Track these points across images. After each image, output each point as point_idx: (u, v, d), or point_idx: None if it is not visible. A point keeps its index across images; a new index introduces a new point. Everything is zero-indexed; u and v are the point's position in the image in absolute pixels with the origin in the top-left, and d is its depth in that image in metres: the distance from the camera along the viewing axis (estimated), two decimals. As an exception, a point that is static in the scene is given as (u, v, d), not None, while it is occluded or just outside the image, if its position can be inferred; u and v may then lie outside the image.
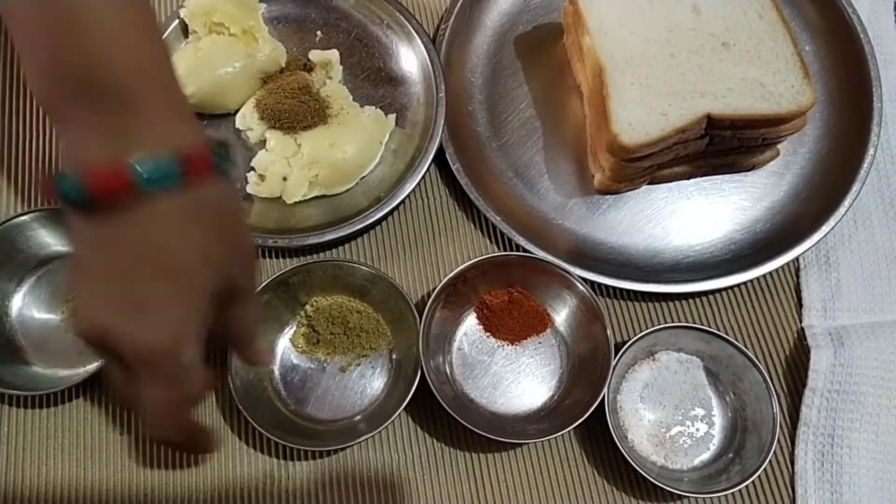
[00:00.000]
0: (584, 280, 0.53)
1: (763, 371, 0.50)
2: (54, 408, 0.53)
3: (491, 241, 0.58)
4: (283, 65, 0.60)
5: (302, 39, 0.62)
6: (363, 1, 0.62)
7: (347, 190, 0.58)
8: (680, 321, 0.56)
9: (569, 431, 0.50)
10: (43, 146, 0.60)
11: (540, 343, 0.54)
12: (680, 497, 0.51)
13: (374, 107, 0.59)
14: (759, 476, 0.49)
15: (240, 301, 0.39)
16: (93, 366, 0.51)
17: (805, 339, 0.55)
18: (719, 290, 0.57)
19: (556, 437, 0.52)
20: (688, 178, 0.60)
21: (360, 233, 0.57)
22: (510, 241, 0.56)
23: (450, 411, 0.49)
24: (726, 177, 0.60)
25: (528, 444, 0.52)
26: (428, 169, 0.57)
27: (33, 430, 0.52)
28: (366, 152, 0.58)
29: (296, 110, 0.57)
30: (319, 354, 0.53)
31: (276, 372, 0.53)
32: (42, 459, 0.51)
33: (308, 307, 0.54)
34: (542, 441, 0.52)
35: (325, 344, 0.53)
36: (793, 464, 0.52)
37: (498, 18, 0.64)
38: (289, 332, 0.54)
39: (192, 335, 0.36)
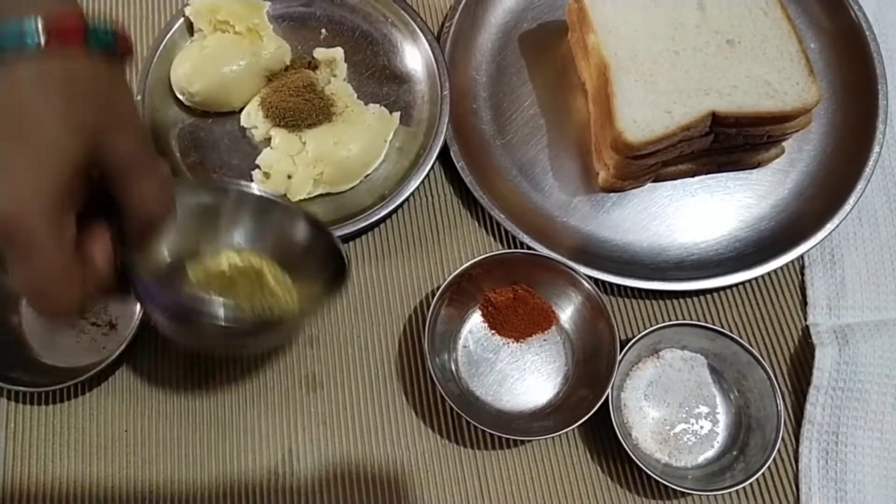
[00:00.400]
0: (589, 278, 0.53)
1: (767, 368, 0.50)
2: (60, 404, 0.53)
3: (495, 239, 0.58)
4: (288, 63, 0.60)
5: (307, 37, 0.62)
6: (368, -1, 0.62)
7: (352, 188, 0.58)
8: (684, 319, 0.56)
9: (573, 429, 0.50)
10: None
11: (545, 340, 0.54)
12: (684, 494, 0.51)
13: (378, 105, 0.59)
14: (763, 474, 0.49)
15: (132, 179, 0.36)
16: (102, 361, 0.51)
17: (810, 337, 0.55)
18: (724, 288, 0.57)
19: (560, 435, 0.52)
20: (692, 176, 0.60)
21: (365, 230, 0.57)
22: (514, 238, 0.56)
23: (455, 408, 0.49)
24: (731, 174, 0.60)
25: (532, 441, 0.52)
26: (432, 167, 0.57)
27: (39, 426, 0.52)
28: (370, 150, 0.58)
29: (300, 108, 0.57)
30: (213, 289, 0.47)
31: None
32: (48, 456, 0.52)
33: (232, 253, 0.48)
34: (546, 438, 0.52)
35: (223, 284, 0.47)
36: (797, 462, 0.52)
37: (502, 16, 0.64)
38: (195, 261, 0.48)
39: (51, 206, 0.32)
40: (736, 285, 0.57)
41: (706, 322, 0.55)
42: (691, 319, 0.56)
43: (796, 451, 0.52)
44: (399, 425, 0.53)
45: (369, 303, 0.56)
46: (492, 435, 0.52)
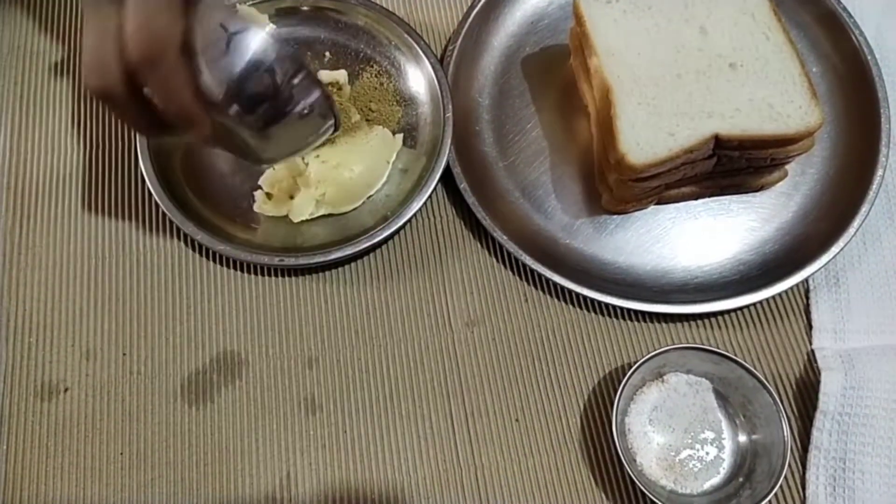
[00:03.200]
0: (592, 300, 0.52)
1: (773, 393, 0.50)
2: (54, 426, 0.52)
3: (498, 261, 0.58)
4: (292, 84, 0.60)
5: (311, 60, 0.62)
6: (372, 22, 0.63)
7: (354, 209, 0.58)
8: (688, 342, 0.55)
9: (577, 445, 0.49)
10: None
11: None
12: (690, 522, 0.50)
13: (381, 126, 0.59)
14: (769, 501, 0.48)
15: None
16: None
17: (815, 362, 0.54)
18: (728, 312, 0.56)
19: (563, 460, 0.51)
20: (696, 199, 0.59)
21: (367, 252, 0.57)
22: (517, 260, 0.56)
23: None
24: (734, 197, 0.60)
25: (534, 465, 0.51)
26: (435, 188, 0.56)
27: (32, 448, 0.52)
28: (373, 171, 0.58)
29: (303, 129, 0.57)
30: None
31: None
32: (41, 479, 0.51)
33: None
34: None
35: None
36: (804, 488, 0.51)
37: (505, 40, 0.65)
38: None
39: None
40: (740, 309, 0.56)
41: (710, 346, 0.55)
42: (696, 343, 0.55)
43: (803, 478, 0.51)
44: (400, 450, 0.52)
45: (370, 324, 0.56)
46: (495, 460, 0.51)
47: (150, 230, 0.58)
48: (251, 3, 0.61)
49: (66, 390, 0.53)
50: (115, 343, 0.55)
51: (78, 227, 0.58)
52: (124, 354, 0.54)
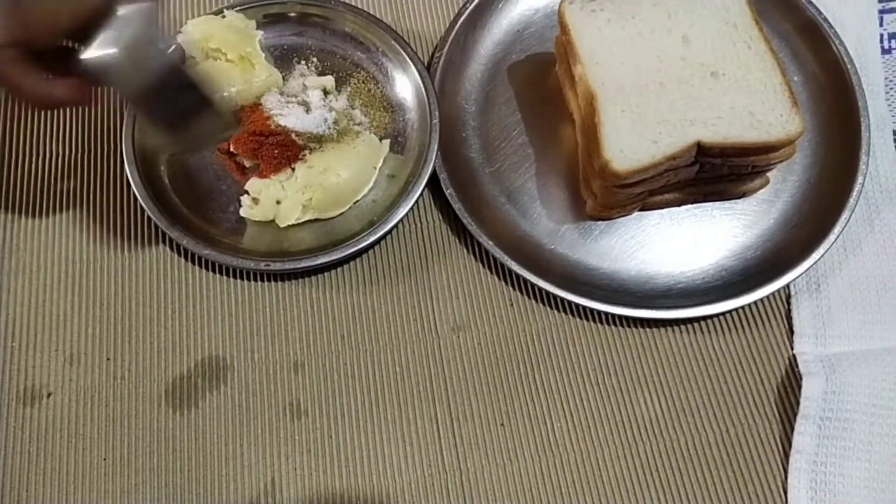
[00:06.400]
0: (577, 306, 0.52)
1: None
2: (37, 431, 0.52)
3: (483, 266, 0.58)
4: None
5: (298, 66, 0.63)
6: (359, 29, 0.63)
7: (341, 214, 0.58)
8: (672, 347, 0.56)
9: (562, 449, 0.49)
10: (36, 168, 0.60)
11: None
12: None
13: (368, 132, 0.60)
14: (753, 505, 0.48)
15: None
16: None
17: (797, 366, 0.55)
18: (711, 317, 0.57)
19: (548, 464, 0.51)
20: (679, 205, 0.60)
21: (353, 257, 0.57)
22: (503, 265, 0.56)
23: None
24: (717, 204, 0.60)
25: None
26: (421, 194, 0.57)
27: (14, 454, 0.51)
28: (360, 177, 0.58)
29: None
30: None
31: None
32: (23, 485, 0.50)
33: None
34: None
35: None
36: (786, 492, 0.52)
37: (492, 47, 0.65)
38: None
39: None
40: (723, 314, 0.57)
41: (695, 350, 0.55)
42: (678, 347, 0.56)
43: (785, 482, 0.52)
44: (385, 455, 0.52)
45: (356, 329, 0.56)
46: (480, 464, 0.51)
47: (135, 234, 0.58)
48: (239, 8, 0.61)
49: (49, 395, 0.53)
50: (99, 348, 0.54)
51: (62, 230, 0.58)
52: (108, 359, 0.54)
